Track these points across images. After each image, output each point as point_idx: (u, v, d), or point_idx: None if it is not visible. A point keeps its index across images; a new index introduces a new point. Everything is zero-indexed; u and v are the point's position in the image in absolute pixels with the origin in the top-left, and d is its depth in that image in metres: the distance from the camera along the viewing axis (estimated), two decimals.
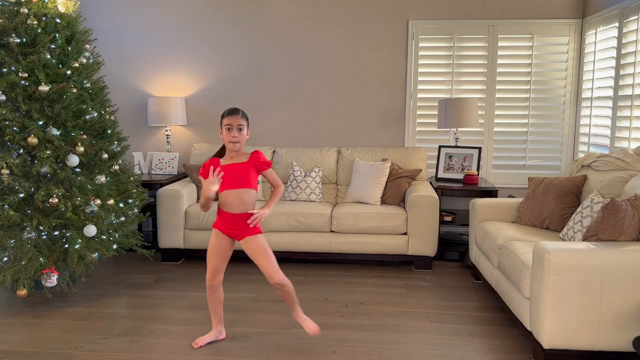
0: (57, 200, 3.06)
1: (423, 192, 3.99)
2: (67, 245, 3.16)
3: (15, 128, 3.04)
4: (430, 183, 4.51)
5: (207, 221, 4.10)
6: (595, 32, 4.29)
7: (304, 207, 4.12)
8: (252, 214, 2.60)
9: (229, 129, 2.56)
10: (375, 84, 4.82)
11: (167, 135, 4.88)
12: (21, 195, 3.04)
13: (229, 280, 3.82)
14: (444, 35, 4.70)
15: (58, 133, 3.13)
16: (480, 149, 4.50)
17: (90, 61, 3.49)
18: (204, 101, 4.98)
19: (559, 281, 2.41)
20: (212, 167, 2.58)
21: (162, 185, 4.37)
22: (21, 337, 2.89)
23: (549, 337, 2.45)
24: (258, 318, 3.15)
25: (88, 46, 3.50)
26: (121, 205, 3.49)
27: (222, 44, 4.89)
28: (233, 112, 2.59)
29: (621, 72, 3.84)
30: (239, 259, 4.31)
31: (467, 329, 3.00)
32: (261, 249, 2.62)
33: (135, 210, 3.68)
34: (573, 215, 3.10)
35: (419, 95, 4.79)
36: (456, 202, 4.84)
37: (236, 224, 2.62)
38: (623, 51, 3.81)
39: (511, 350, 2.74)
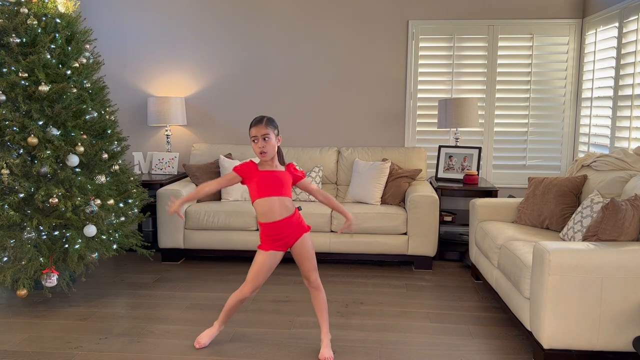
0: (57, 200, 3.06)
1: (423, 192, 3.99)
2: (67, 245, 3.16)
3: (15, 128, 3.04)
4: (430, 183, 4.51)
5: (207, 221, 4.10)
6: (595, 32, 4.29)
7: (304, 207, 4.11)
8: (298, 211, 2.59)
9: (254, 141, 2.50)
10: (375, 84, 4.82)
11: (167, 135, 4.88)
12: (21, 195, 3.04)
13: (229, 280, 3.82)
14: (444, 35, 4.70)
15: (58, 133, 3.13)
16: (480, 149, 4.50)
17: (90, 61, 3.49)
18: (204, 101, 4.98)
19: (559, 281, 2.41)
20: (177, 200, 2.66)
21: (162, 185, 4.37)
22: (21, 337, 2.89)
23: (549, 337, 2.45)
24: (258, 318, 3.15)
25: (88, 46, 3.50)
26: (121, 205, 3.49)
27: (222, 44, 4.89)
28: (257, 122, 2.51)
29: (621, 72, 3.84)
30: (239, 258, 4.32)
31: (467, 329, 3.00)
32: (311, 249, 2.60)
33: (135, 210, 3.67)
34: (573, 215, 3.10)
35: (419, 95, 4.79)
36: (456, 202, 4.84)
37: (289, 229, 2.54)
38: (623, 51, 3.81)
39: (511, 350, 2.74)
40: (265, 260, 2.58)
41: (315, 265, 2.62)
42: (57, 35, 3.23)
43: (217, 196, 4.42)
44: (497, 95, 4.73)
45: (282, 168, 2.59)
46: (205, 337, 2.77)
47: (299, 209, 2.64)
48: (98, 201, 3.21)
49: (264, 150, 2.49)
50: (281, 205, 2.52)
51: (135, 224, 3.92)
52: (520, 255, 2.81)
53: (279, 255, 2.60)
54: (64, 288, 3.39)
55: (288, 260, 4.17)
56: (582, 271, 2.40)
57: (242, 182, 2.58)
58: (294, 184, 2.62)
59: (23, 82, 3.06)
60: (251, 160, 2.58)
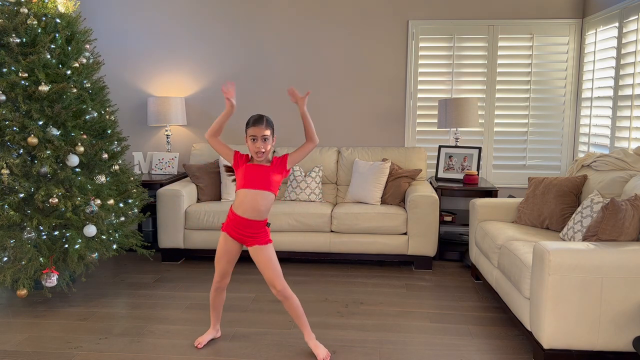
0: (57, 200, 3.06)
1: (423, 192, 3.99)
2: (67, 245, 3.16)
3: (15, 128, 3.04)
4: (430, 183, 4.51)
5: (207, 221, 4.10)
6: (595, 32, 4.29)
7: (304, 207, 4.12)
8: (266, 222, 2.59)
9: (253, 140, 2.49)
10: (375, 84, 4.82)
11: (167, 135, 4.88)
12: (21, 195, 3.04)
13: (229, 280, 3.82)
14: (444, 35, 4.70)
15: (58, 133, 3.13)
16: (480, 149, 4.50)
17: (90, 61, 3.49)
18: (204, 101, 4.98)
19: (559, 281, 2.41)
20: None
21: (162, 185, 4.37)
22: (21, 337, 2.89)
23: (549, 337, 2.45)
24: (258, 318, 3.15)
25: (88, 46, 3.50)
26: (121, 205, 3.49)
27: (222, 44, 4.89)
28: (257, 121, 2.50)
29: (621, 72, 3.84)
30: (239, 259, 4.31)
31: (467, 329, 3.00)
32: (269, 260, 2.59)
33: (135, 210, 3.67)
34: (573, 215, 3.10)
35: (419, 95, 4.79)
36: (456, 202, 4.84)
37: (248, 230, 2.56)
38: (623, 51, 3.81)
39: (511, 350, 2.74)
40: (222, 244, 2.62)
41: (278, 275, 2.58)
42: (57, 35, 3.23)
43: (217, 196, 4.42)
44: (497, 95, 4.73)
45: (268, 163, 2.59)
46: (204, 340, 2.80)
47: (268, 225, 2.63)
48: (98, 201, 3.21)
49: (261, 151, 2.50)
50: (254, 203, 2.51)
51: (135, 224, 3.92)
52: (520, 255, 2.81)
53: (234, 244, 2.61)
54: (64, 288, 3.39)
55: (285, 260, 4.20)
56: (582, 271, 2.40)
57: (233, 166, 2.62)
58: (285, 167, 2.57)
59: (23, 82, 3.07)
60: (248, 154, 2.61)
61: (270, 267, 2.58)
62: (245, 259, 4.31)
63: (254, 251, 2.61)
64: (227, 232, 2.61)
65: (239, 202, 2.55)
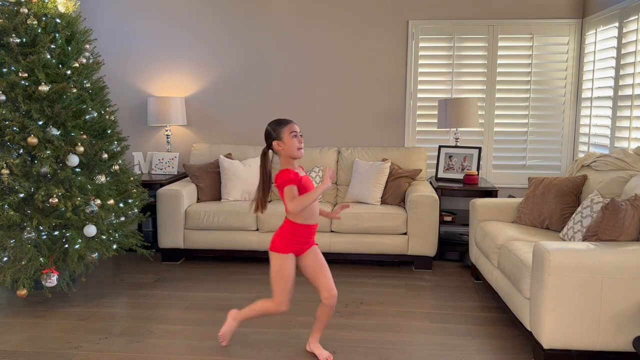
0: (57, 200, 3.06)
1: (423, 192, 3.99)
2: (67, 245, 3.16)
3: (15, 128, 3.04)
4: (430, 183, 4.51)
5: (207, 221, 4.10)
6: (595, 32, 4.29)
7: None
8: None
9: (295, 136, 2.48)
10: (375, 84, 4.82)
11: (167, 135, 4.88)
12: (21, 195, 3.04)
13: (229, 281, 3.82)
14: (444, 35, 4.70)
15: (58, 133, 3.13)
16: (480, 149, 4.50)
17: (90, 61, 3.49)
18: (204, 101, 4.98)
19: (559, 281, 2.41)
20: (328, 169, 2.39)
21: (162, 185, 4.37)
22: (21, 337, 2.89)
23: (549, 337, 2.45)
24: (258, 318, 3.14)
25: (88, 46, 3.49)
26: (121, 205, 3.49)
27: (222, 44, 4.90)
28: (289, 121, 2.50)
29: (621, 72, 3.84)
30: (239, 258, 4.33)
31: (467, 329, 3.00)
32: (323, 260, 2.56)
33: (135, 210, 3.67)
34: (573, 215, 3.10)
35: (419, 95, 4.79)
36: (456, 202, 4.84)
37: (312, 236, 2.54)
38: (623, 51, 3.81)
39: (511, 350, 2.74)
40: (292, 265, 2.50)
41: (330, 276, 2.57)
42: (57, 35, 3.23)
43: (217, 196, 4.42)
44: (497, 95, 4.73)
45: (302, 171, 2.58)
46: (227, 332, 2.71)
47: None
48: (98, 201, 3.21)
49: (302, 146, 2.51)
50: (316, 209, 2.52)
51: (135, 224, 3.92)
52: (520, 255, 2.81)
53: (294, 259, 2.54)
54: (64, 288, 3.39)
55: None
56: (582, 271, 2.40)
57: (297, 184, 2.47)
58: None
59: (23, 82, 3.06)
60: (287, 171, 2.44)
61: (325, 268, 2.55)
62: (245, 259, 4.32)
63: (310, 255, 2.53)
64: (292, 252, 2.50)
65: (309, 215, 2.46)
